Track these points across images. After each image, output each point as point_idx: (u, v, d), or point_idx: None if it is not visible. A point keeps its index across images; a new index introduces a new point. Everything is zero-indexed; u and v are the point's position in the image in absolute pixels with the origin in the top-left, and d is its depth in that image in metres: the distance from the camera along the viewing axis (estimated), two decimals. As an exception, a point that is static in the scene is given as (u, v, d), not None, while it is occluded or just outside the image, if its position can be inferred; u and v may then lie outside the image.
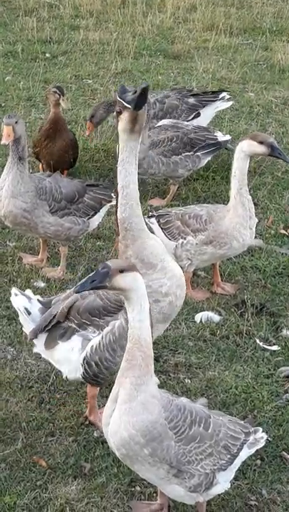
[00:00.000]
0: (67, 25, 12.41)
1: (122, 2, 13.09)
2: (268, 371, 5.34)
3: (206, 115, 8.06)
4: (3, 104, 9.48)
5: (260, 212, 7.29)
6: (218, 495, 4.15)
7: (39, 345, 4.77)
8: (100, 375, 4.64)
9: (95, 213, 6.38)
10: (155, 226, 6.12)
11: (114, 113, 4.32)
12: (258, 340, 5.62)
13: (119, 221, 4.43)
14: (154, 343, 3.88)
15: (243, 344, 5.60)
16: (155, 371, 3.91)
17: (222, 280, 6.29)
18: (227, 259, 6.41)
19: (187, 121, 7.78)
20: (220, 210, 5.95)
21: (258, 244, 6.76)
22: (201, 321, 5.81)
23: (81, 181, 6.55)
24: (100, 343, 4.58)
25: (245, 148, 5.69)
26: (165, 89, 8.76)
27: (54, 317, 4.69)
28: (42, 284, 6.16)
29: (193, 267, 6.05)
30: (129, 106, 4.16)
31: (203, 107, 7.97)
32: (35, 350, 4.83)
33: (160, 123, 7.63)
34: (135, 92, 4.15)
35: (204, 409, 4.03)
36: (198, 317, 5.85)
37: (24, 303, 4.82)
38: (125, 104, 4.17)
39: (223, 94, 8.19)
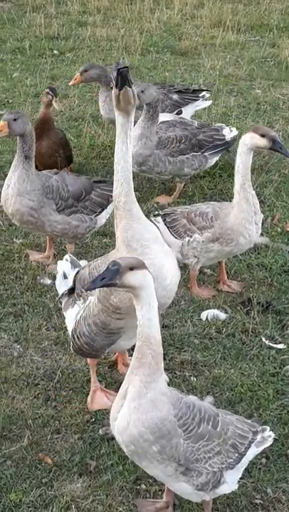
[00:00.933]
0: (74, 21, 12.43)
1: (129, -2, 13.11)
2: (273, 369, 5.34)
3: (187, 113, 8.08)
4: (10, 101, 9.49)
5: (266, 210, 7.28)
6: (224, 494, 4.15)
7: (63, 309, 5.09)
8: (83, 349, 4.77)
9: (102, 210, 6.37)
10: (161, 225, 6.12)
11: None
12: (263, 339, 5.62)
13: (113, 198, 4.47)
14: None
15: (249, 342, 5.60)
16: (161, 369, 3.92)
17: (228, 278, 6.29)
18: (233, 256, 6.41)
19: None
20: (225, 207, 5.94)
21: (265, 241, 6.76)
22: (207, 319, 5.81)
23: (88, 178, 6.53)
24: (80, 316, 4.73)
25: (248, 141, 5.68)
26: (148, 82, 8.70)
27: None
28: (48, 281, 6.17)
29: (200, 264, 6.05)
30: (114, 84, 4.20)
31: (186, 104, 7.97)
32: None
33: (166, 118, 7.62)
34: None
35: (213, 408, 4.03)
36: (204, 315, 5.84)
37: (66, 268, 5.13)
38: (113, 81, 4.21)
39: (203, 93, 8.20)
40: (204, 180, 7.77)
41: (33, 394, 5.05)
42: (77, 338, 4.76)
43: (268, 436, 4.14)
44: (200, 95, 8.17)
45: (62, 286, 5.13)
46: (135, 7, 12.80)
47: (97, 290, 4.57)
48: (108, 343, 4.77)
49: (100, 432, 4.77)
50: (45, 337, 5.58)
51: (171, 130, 7.28)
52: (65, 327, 5.65)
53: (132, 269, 3.66)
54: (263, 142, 5.68)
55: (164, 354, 5.16)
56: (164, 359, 5.26)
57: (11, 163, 6.17)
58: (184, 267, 6.22)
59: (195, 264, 6.00)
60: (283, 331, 5.72)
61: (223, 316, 5.85)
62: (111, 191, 6.34)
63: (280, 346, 5.56)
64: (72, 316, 4.90)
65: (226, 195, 7.38)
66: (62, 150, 7.44)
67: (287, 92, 9.94)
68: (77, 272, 4.99)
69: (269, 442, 4.15)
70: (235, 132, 7.54)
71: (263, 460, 4.61)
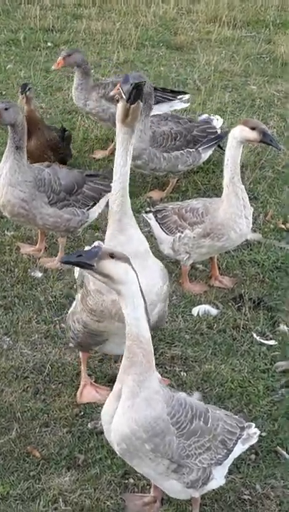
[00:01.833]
0: (69, 14, 12.36)
1: (125, -8, 13.04)
2: (264, 366, 5.33)
3: (160, 111, 7.94)
4: (3, 93, 9.44)
5: (259, 207, 7.27)
6: (212, 489, 4.13)
7: None
8: (71, 340, 4.86)
9: (95, 204, 6.34)
10: (152, 221, 6.10)
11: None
12: (254, 335, 5.61)
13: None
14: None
15: (240, 338, 5.59)
16: (151, 364, 3.89)
17: (220, 274, 6.27)
18: (225, 252, 6.39)
19: None
20: (215, 203, 5.92)
21: (257, 238, 6.74)
22: (198, 315, 5.79)
23: (80, 171, 6.50)
24: (70, 310, 4.81)
25: (237, 135, 5.65)
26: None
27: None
28: (39, 274, 6.15)
29: (192, 260, 6.03)
30: (124, 97, 4.12)
31: (157, 103, 7.84)
32: None
33: (157, 111, 7.60)
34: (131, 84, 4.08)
35: (202, 404, 4.01)
36: (195, 310, 5.83)
37: None
38: (122, 94, 4.13)
39: (183, 96, 8.14)
40: (198, 175, 7.74)
41: (22, 387, 5.02)
42: (67, 329, 4.86)
43: (253, 433, 4.13)
44: (178, 97, 8.10)
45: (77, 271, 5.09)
46: (131, 0, 12.74)
47: (80, 289, 4.57)
48: (93, 343, 4.77)
49: (89, 425, 4.75)
50: (35, 330, 5.55)
51: (164, 124, 7.24)
52: (56, 320, 5.65)
53: (112, 257, 3.57)
54: (253, 135, 5.65)
55: (154, 349, 5.15)
56: (154, 354, 5.23)
57: (2, 155, 6.13)
58: (175, 263, 6.21)
59: (186, 259, 5.99)
60: (274, 328, 5.71)
61: (214, 311, 5.83)
62: (103, 185, 6.38)
63: (271, 343, 5.55)
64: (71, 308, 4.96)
65: (219, 191, 7.26)
66: (51, 152, 7.27)
67: (282, 89, 9.90)
68: None
69: (255, 439, 4.14)
70: (221, 120, 7.53)
71: (252, 456, 4.60)
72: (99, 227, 6.82)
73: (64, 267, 6.22)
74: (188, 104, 8.33)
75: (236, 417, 4.17)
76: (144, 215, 6.30)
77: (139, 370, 3.68)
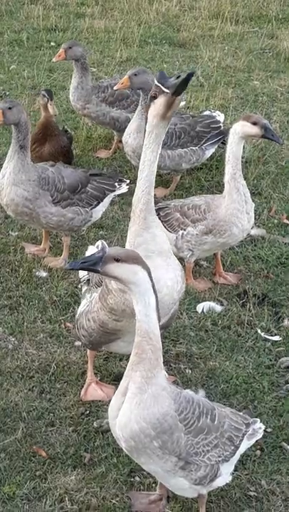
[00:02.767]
0: (72, 13, 12.38)
1: (127, -10, 13.04)
2: (269, 361, 5.33)
3: None
4: (7, 93, 9.46)
5: (263, 202, 7.26)
6: (219, 486, 4.14)
7: (81, 297, 5.15)
8: (81, 339, 4.89)
9: (98, 203, 6.35)
10: (155, 219, 6.09)
11: (148, 97, 4.25)
12: (259, 331, 5.61)
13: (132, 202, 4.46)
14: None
15: (245, 334, 5.59)
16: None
17: (224, 270, 6.27)
18: (229, 248, 6.40)
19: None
20: (217, 199, 5.92)
21: (261, 233, 6.74)
22: (202, 311, 5.80)
23: (84, 171, 6.51)
24: (84, 309, 4.79)
25: (239, 130, 5.64)
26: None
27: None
28: (44, 274, 6.16)
29: (195, 257, 6.03)
30: (168, 91, 4.11)
31: None
32: None
33: None
34: (178, 77, 4.09)
35: (209, 401, 4.02)
36: (199, 307, 5.83)
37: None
38: (163, 88, 4.12)
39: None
40: (201, 172, 7.74)
41: (27, 386, 5.04)
42: (78, 328, 4.85)
43: (258, 428, 4.15)
44: None
45: (84, 272, 5.10)
46: (133, -2, 12.75)
47: (100, 289, 4.59)
48: (105, 341, 4.78)
49: (95, 424, 4.76)
50: (41, 330, 5.57)
51: None
52: (60, 320, 5.67)
53: (117, 260, 3.60)
54: (254, 130, 5.64)
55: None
56: (159, 351, 5.28)
57: (5, 155, 6.15)
58: (179, 260, 6.19)
59: (190, 257, 5.99)
60: (279, 323, 5.71)
61: (218, 308, 5.84)
62: (107, 184, 6.39)
63: (276, 338, 5.55)
64: (81, 306, 4.96)
65: (223, 187, 7.33)
66: (62, 157, 7.26)
67: (285, 84, 9.90)
68: None
69: (260, 435, 4.16)
70: (222, 116, 7.51)
71: (258, 452, 4.61)
72: (103, 225, 6.83)
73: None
74: (184, 103, 8.30)
75: (241, 414, 4.18)
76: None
77: (147, 367, 3.70)
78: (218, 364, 5.28)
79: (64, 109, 9.07)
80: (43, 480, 4.39)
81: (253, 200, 6.00)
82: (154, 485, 4.35)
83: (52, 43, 11.07)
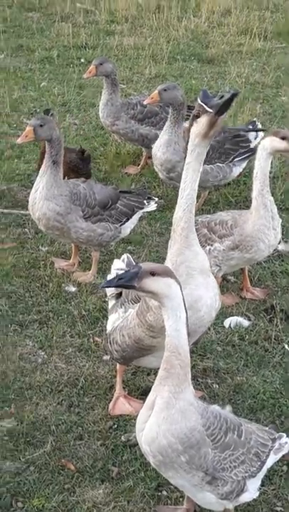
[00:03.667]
0: (102, 30, 12.54)
1: (156, 7, 13.16)
2: (296, 377, 5.35)
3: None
4: (38, 110, 9.59)
5: (291, 218, 7.28)
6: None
7: (109, 311, 5.21)
8: (113, 353, 4.91)
9: (128, 220, 6.43)
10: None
11: (190, 116, 4.31)
12: (286, 346, 5.62)
13: (173, 221, 4.50)
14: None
15: (272, 349, 5.61)
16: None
17: (251, 285, 6.30)
18: (257, 264, 6.42)
19: None
20: (244, 214, 5.96)
21: (288, 249, 6.76)
22: (230, 326, 5.83)
23: (114, 188, 6.60)
24: (118, 324, 4.82)
25: (268, 146, 5.68)
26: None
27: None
28: (73, 289, 6.24)
29: (222, 272, 6.07)
30: (211, 110, 4.17)
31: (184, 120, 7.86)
32: None
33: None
34: (221, 97, 4.15)
35: (235, 417, 4.05)
36: (227, 322, 5.86)
37: (120, 268, 5.14)
38: (207, 108, 4.19)
39: None
40: (229, 187, 7.79)
41: (56, 400, 5.11)
42: (110, 343, 4.89)
43: (284, 443, 4.16)
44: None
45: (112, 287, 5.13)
46: (162, 15, 12.87)
47: (137, 305, 4.65)
48: (137, 356, 4.84)
49: (123, 438, 4.80)
50: (69, 344, 5.64)
51: None
52: (89, 334, 5.73)
53: (153, 274, 3.65)
54: (283, 145, 5.68)
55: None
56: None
57: (37, 172, 6.25)
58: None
59: (217, 272, 6.02)
60: (306, 339, 5.72)
61: (246, 323, 5.87)
62: (137, 202, 6.47)
63: (303, 354, 5.56)
64: (111, 321, 5.01)
65: (250, 203, 7.36)
66: (72, 174, 7.20)
67: (313, 99, 9.93)
68: None
69: (286, 449, 4.17)
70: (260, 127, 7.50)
71: (284, 468, 4.61)
72: (131, 241, 6.90)
73: (97, 281, 6.31)
74: None
75: (267, 428, 4.20)
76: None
77: (175, 382, 3.74)
78: (245, 379, 5.31)
79: (93, 125, 9.19)
80: (72, 493, 4.44)
81: (281, 216, 6.03)
82: (181, 499, 4.38)
83: (82, 60, 11.22)
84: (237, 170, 7.38)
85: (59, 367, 5.41)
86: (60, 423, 4.91)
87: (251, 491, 4.05)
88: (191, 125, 4.29)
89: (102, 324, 5.73)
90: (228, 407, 4.47)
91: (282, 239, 6.79)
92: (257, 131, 7.48)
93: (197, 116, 4.24)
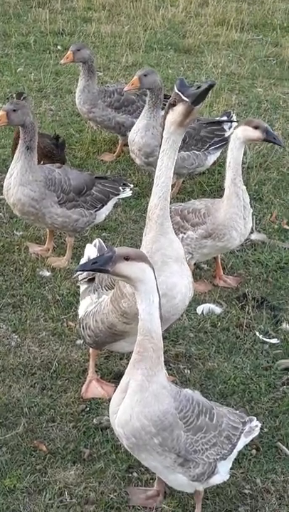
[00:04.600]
0: (79, 17, 12.50)
1: (134, -5, 13.17)
2: (266, 363, 5.43)
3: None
4: (14, 95, 9.55)
5: (264, 208, 7.37)
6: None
7: (80, 296, 5.24)
8: (86, 338, 4.96)
9: (103, 206, 6.45)
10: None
11: (166, 105, 4.34)
12: (257, 333, 5.71)
13: (148, 208, 4.53)
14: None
15: (243, 336, 5.69)
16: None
17: (224, 273, 6.37)
18: (230, 252, 6.50)
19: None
20: (216, 203, 6.01)
21: (261, 238, 6.84)
22: (202, 313, 5.90)
23: (90, 174, 6.62)
24: (91, 310, 4.85)
25: (240, 135, 5.72)
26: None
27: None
28: (47, 273, 6.26)
29: (194, 260, 6.12)
30: (187, 99, 4.19)
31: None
32: None
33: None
34: (198, 87, 4.19)
35: (207, 401, 4.12)
36: (199, 309, 5.93)
37: (92, 253, 5.14)
38: (183, 97, 4.21)
39: None
40: (203, 176, 7.85)
41: (29, 383, 5.14)
42: (83, 328, 4.93)
43: (254, 426, 4.24)
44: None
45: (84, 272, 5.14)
46: (140, 4, 12.87)
47: (111, 291, 4.70)
48: (110, 341, 4.89)
49: (94, 421, 4.85)
50: (43, 328, 5.67)
51: None
52: (63, 318, 5.77)
53: (127, 259, 3.69)
54: (256, 134, 5.73)
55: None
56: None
57: (13, 157, 6.26)
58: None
59: (189, 259, 6.08)
60: (277, 327, 5.81)
61: (218, 310, 5.94)
62: (112, 188, 6.50)
63: (274, 341, 5.65)
64: (84, 306, 5.04)
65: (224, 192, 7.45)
66: (46, 159, 7.08)
67: (288, 91, 10.01)
68: None
69: (256, 432, 4.25)
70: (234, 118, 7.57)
71: (253, 451, 4.70)
72: (106, 227, 6.94)
73: (72, 267, 6.35)
74: None
75: (238, 412, 4.28)
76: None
77: (148, 365, 3.79)
78: (216, 365, 5.38)
79: (69, 112, 9.19)
80: (43, 474, 4.49)
81: (254, 206, 6.11)
82: (151, 481, 4.45)
83: (59, 47, 11.19)
84: (212, 158, 7.44)
85: (32, 350, 5.45)
86: (32, 405, 4.95)
87: (222, 474, 4.13)
88: (166, 113, 4.32)
89: (76, 309, 5.75)
90: (197, 392, 4.55)
91: (256, 228, 6.89)
92: (231, 121, 7.53)
93: (173, 105, 4.26)
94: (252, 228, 6.36)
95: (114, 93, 7.92)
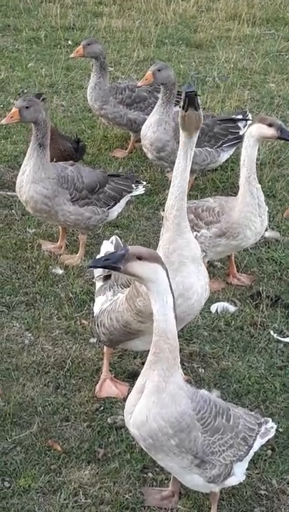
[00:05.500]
0: (90, 12, 12.47)
1: (145, -11, 13.12)
2: (281, 363, 5.40)
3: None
4: (25, 91, 9.54)
5: (277, 204, 7.32)
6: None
7: (96, 293, 5.22)
8: (100, 336, 4.93)
9: (115, 203, 6.43)
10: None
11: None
12: (272, 332, 5.68)
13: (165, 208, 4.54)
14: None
15: (257, 335, 5.66)
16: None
17: (238, 271, 6.34)
18: (243, 250, 6.46)
19: None
20: (231, 201, 5.97)
21: (275, 236, 6.80)
22: (216, 312, 5.87)
23: (103, 171, 6.60)
24: (106, 307, 4.84)
25: (255, 132, 5.68)
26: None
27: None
28: (60, 271, 6.24)
29: (208, 258, 6.09)
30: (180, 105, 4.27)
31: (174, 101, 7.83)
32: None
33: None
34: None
35: (223, 402, 4.10)
36: (213, 307, 5.90)
37: (109, 250, 5.13)
38: (182, 101, 4.27)
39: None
40: (216, 173, 7.81)
41: (43, 382, 5.13)
42: (98, 325, 4.92)
43: (270, 427, 4.22)
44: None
45: (99, 269, 5.12)
46: (151, -2, 12.83)
47: (126, 289, 4.68)
48: (124, 340, 4.88)
49: (109, 420, 4.84)
50: (56, 326, 5.65)
51: None
52: (76, 316, 5.75)
53: (140, 258, 3.65)
54: (270, 132, 5.68)
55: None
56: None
57: (25, 153, 6.24)
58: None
59: (203, 258, 6.03)
60: (291, 325, 5.78)
61: (232, 308, 5.91)
62: (125, 185, 6.48)
63: (288, 340, 5.61)
64: (99, 303, 5.03)
65: (238, 189, 7.39)
66: (64, 161, 6.97)
67: (301, 87, 9.96)
68: None
69: (272, 433, 4.23)
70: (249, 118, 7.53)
71: (269, 452, 4.67)
72: (118, 224, 6.91)
73: (84, 264, 6.32)
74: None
75: (253, 413, 4.25)
76: (162, 213, 6.36)
77: (165, 366, 3.76)
78: (230, 364, 5.36)
79: (81, 108, 9.16)
80: (58, 474, 4.47)
81: (268, 203, 6.06)
82: (166, 481, 4.43)
83: (69, 42, 11.16)
84: (224, 156, 7.40)
85: (46, 349, 5.43)
86: (46, 404, 4.94)
87: (238, 475, 4.11)
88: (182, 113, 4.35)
89: (89, 307, 5.75)
90: (216, 392, 4.53)
91: (269, 226, 6.84)
92: (246, 120, 7.48)
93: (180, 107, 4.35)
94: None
95: (125, 90, 7.88)
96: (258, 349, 5.52)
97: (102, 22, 11.88)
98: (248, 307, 5.94)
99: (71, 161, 6.58)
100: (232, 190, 7.42)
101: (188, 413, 3.79)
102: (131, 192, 6.47)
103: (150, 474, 4.50)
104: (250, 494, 4.41)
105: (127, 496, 4.35)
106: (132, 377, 5.15)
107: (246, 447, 4.06)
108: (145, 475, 4.50)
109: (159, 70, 6.99)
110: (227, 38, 11.64)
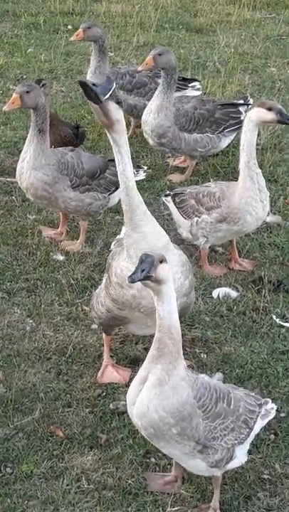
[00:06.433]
0: (89, -4, 12.38)
1: (145, -26, 13.02)
2: (283, 347, 5.38)
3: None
4: (24, 76, 9.49)
5: (279, 189, 7.29)
6: (233, 468, 4.20)
7: None
8: (94, 320, 5.01)
9: (116, 189, 6.38)
10: (171, 205, 6.14)
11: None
12: (274, 317, 5.66)
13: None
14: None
15: (260, 320, 5.64)
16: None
17: (240, 256, 6.31)
18: (245, 235, 6.43)
19: None
20: (231, 186, 5.93)
21: (277, 220, 6.77)
22: (218, 297, 5.85)
23: (103, 157, 6.56)
24: (96, 292, 4.90)
25: (254, 117, 5.62)
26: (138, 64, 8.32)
27: None
28: (61, 257, 6.22)
29: (209, 243, 6.07)
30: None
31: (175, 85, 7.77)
32: None
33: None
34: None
35: (224, 385, 4.10)
36: (215, 293, 5.88)
37: None
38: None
39: (194, 83, 8.01)
40: (217, 158, 7.77)
41: (45, 368, 5.11)
42: (91, 309, 4.96)
43: (270, 408, 4.22)
44: (189, 84, 7.98)
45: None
46: (150, -17, 12.73)
47: (108, 273, 4.66)
48: (115, 325, 4.91)
49: (111, 406, 4.83)
50: (58, 312, 5.63)
51: (186, 102, 7.24)
52: (77, 303, 5.73)
53: (161, 261, 3.64)
54: (270, 116, 5.62)
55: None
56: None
57: (25, 139, 6.20)
58: (195, 245, 6.25)
59: (204, 243, 6.03)
60: (294, 310, 5.76)
61: (234, 294, 5.89)
62: (126, 171, 6.42)
63: (291, 325, 5.60)
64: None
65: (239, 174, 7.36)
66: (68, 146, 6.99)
67: (302, 71, 9.90)
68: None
69: (272, 415, 4.23)
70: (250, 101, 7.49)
71: (272, 436, 4.66)
72: (119, 210, 6.85)
73: (85, 250, 6.31)
74: (200, 92, 8.23)
75: (253, 394, 4.25)
76: (163, 198, 6.36)
77: (168, 360, 3.78)
78: (233, 349, 5.34)
79: (81, 93, 9.06)
80: (60, 459, 4.47)
81: (269, 188, 6.03)
82: (169, 466, 4.42)
83: (69, 27, 11.09)
84: (226, 141, 7.37)
85: (47, 335, 5.42)
86: (48, 390, 4.92)
87: (240, 456, 4.11)
88: None
89: (90, 293, 5.72)
90: (218, 375, 4.52)
91: (271, 211, 6.80)
92: (247, 104, 7.43)
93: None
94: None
95: (126, 75, 7.82)
96: (261, 334, 5.51)
97: (101, 7, 11.81)
98: (250, 292, 5.91)
99: (71, 147, 6.54)
100: (233, 175, 7.38)
101: (190, 402, 3.79)
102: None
103: (153, 459, 4.50)
104: (253, 479, 4.40)
105: (129, 482, 4.34)
106: (133, 362, 5.14)
107: (247, 430, 4.06)
108: (148, 460, 4.49)
109: (159, 55, 6.94)
110: (227, 22, 11.57)
